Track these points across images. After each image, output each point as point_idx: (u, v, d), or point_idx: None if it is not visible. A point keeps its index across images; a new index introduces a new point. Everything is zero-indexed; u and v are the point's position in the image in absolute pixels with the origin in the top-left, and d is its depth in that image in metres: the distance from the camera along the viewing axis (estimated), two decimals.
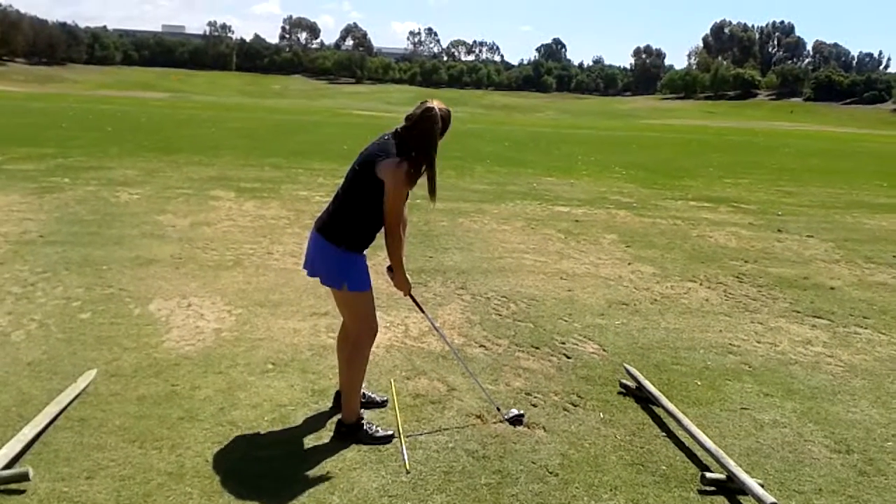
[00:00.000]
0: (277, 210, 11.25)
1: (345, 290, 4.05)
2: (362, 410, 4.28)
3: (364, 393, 4.46)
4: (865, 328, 6.81)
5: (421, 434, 4.26)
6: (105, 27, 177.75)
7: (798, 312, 7.21)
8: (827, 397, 5.15)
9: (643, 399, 4.87)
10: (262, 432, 4.19)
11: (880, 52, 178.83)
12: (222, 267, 7.67)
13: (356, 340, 4.19)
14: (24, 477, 3.48)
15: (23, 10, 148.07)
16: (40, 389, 4.54)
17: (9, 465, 3.53)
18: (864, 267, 9.44)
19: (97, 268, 7.36)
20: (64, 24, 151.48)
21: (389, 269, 4.21)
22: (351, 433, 4.14)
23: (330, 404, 4.54)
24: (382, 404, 4.60)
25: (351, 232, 4.00)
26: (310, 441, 4.13)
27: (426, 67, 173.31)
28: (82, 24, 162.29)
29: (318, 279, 4.19)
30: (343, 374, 4.26)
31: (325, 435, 4.20)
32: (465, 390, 4.87)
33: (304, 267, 4.26)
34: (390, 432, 4.20)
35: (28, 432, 3.81)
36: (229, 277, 7.30)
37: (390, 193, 3.88)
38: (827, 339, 6.43)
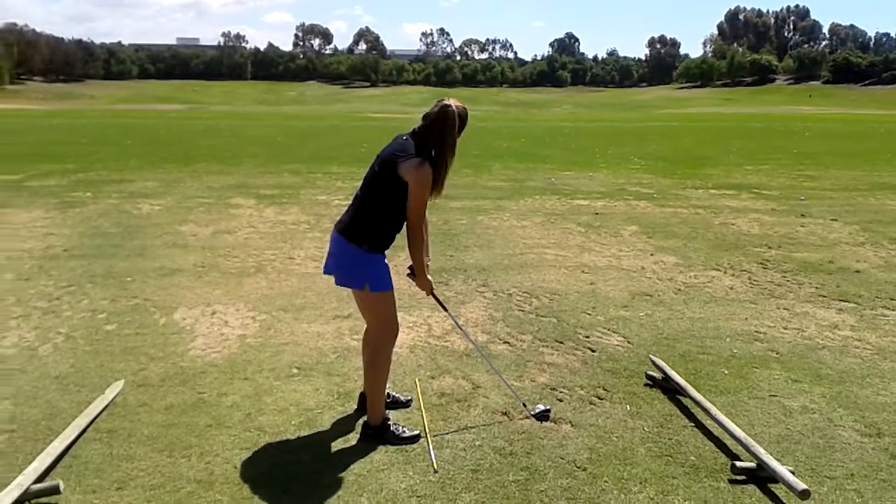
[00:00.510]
0: (297, 215, 11.29)
1: (367, 291, 4.05)
2: (388, 411, 4.29)
3: (389, 393, 4.47)
4: (893, 310, 6.73)
5: (447, 433, 4.25)
6: (120, 42, 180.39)
7: (824, 297, 7.14)
8: (856, 381, 5.09)
9: (670, 390, 4.84)
10: (290, 437, 4.20)
11: None
12: (245, 274, 7.71)
13: (377, 343, 4.19)
14: (55, 490, 3.52)
15: (39, 30, 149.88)
16: (69, 402, 4.58)
17: (40, 479, 3.56)
18: (890, 249, 9.33)
19: (121, 279, 7.42)
20: (80, 42, 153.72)
21: (411, 269, 4.21)
22: (377, 435, 4.15)
23: (355, 406, 4.54)
24: (407, 404, 4.60)
25: (372, 232, 4.00)
26: (337, 444, 4.14)
27: (440, 67, 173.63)
28: (98, 41, 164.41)
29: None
30: (366, 377, 4.27)
31: (352, 437, 4.20)
32: (491, 387, 4.86)
33: (324, 268, 4.27)
34: (417, 432, 4.20)
35: (58, 445, 3.84)
36: (252, 284, 7.34)
37: (414, 193, 3.88)
38: (854, 323, 6.36)
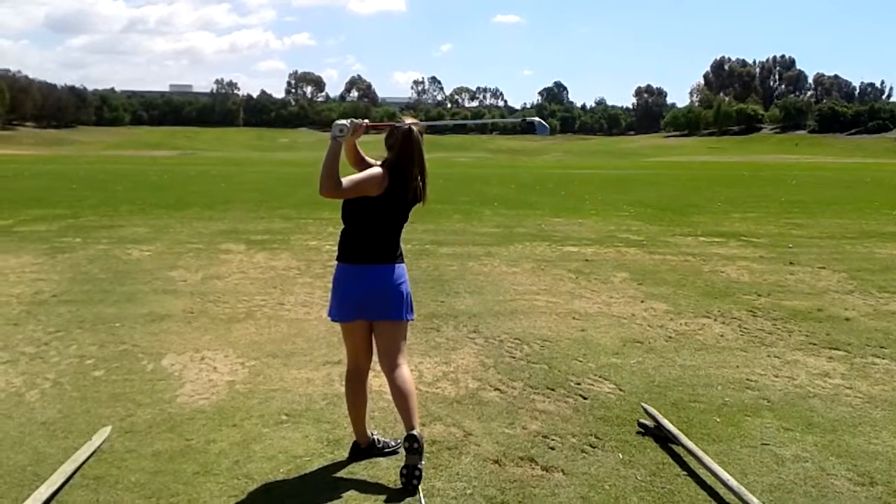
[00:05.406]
0: (288, 261, 11.29)
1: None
2: (375, 434, 4.55)
3: (379, 439, 4.51)
4: (883, 358, 6.74)
5: (438, 481, 4.21)
6: (113, 89, 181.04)
7: (814, 345, 7.14)
8: (848, 429, 5.07)
9: (662, 438, 4.81)
10: (279, 484, 4.15)
11: (882, 82, 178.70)
12: (234, 320, 7.68)
13: None
14: None
15: (31, 76, 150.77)
16: (55, 448, 4.52)
17: None
18: (879, 297, 9.37)
19: (110, 325, 7.37)
20: (73, 88, 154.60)
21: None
22: (369, 454, 4.46)
23: (346, 454, 4.50)
24: (397, 451, 4.56)
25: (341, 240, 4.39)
26: (326, 492, 4.08)
27: (431, 115, 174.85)
28: (91, 87, 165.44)
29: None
30: None
31: (341, 485, 4.15)
32: (482, 435, 4.83)
33: None
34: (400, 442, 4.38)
35: (44, 491, 3.79)
36: (242, 330, 7.30)
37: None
38: (845, 371, 6.36)
